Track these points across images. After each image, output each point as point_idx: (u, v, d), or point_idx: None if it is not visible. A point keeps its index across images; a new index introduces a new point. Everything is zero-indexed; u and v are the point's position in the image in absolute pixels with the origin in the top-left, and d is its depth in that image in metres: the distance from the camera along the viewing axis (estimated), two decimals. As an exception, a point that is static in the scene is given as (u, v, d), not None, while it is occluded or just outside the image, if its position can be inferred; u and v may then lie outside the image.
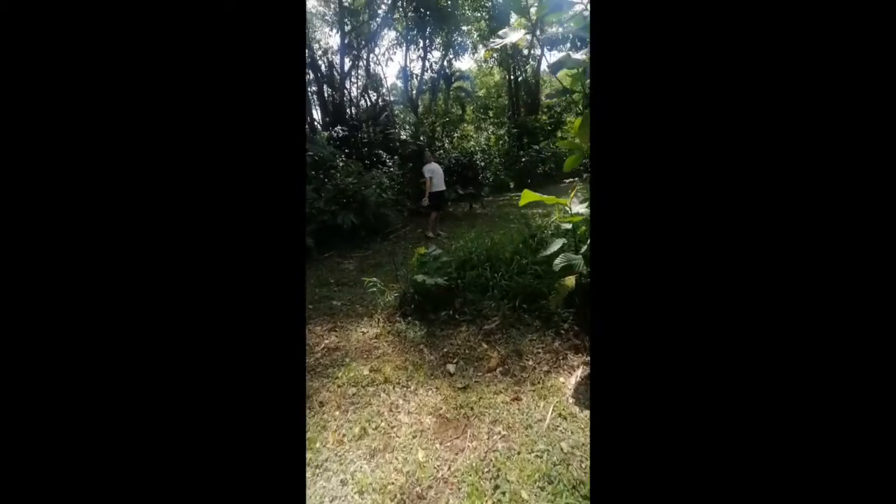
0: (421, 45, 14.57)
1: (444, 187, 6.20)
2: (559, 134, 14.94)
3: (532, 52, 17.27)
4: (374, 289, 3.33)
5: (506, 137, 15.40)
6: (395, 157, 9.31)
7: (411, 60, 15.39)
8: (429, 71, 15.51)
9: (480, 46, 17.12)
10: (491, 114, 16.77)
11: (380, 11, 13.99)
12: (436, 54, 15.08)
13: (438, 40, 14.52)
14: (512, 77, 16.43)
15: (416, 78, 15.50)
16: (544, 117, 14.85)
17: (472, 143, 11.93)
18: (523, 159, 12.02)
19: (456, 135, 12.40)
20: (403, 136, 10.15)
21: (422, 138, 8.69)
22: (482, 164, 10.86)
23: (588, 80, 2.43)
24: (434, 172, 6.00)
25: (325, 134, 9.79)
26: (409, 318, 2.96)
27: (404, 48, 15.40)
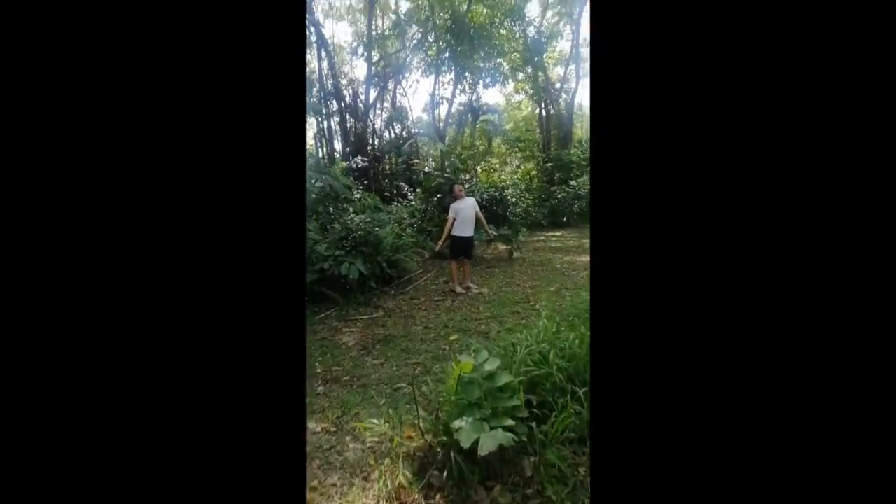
0: (450, 76, 13.78)
1: (471, 233, 4.62)
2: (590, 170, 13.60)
3: (564, 85, 16.33)
4: (375, 431, 1.88)
5: (534, 172, 14.17)
6: (418, 189, 8.11)
7: (439, 94, 14.59)
8: (456, 104, 14.66)
9: (510, 80, 16.32)
10: (521, 146, 15.64)
11: (409, 42, 13.32)
12: (464, 87, 14.23)
13: (467, 74, 13.69)
14: (544, 110, 15.39)
15: (443, 109, 14.66)
16: (577, 151, 13.58)
17: (502, 176, 10.68)
18: (558, 195, 10.64)
19: (479, 167, 11.20)
20: (428, 169, 8.98)
21: (448, 171, 7.46)
22: (513, 199, 9.57)
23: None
24: (459, 213, 4.45)
25: (343, 164, 8.71)
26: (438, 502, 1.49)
27: (433, 79, 14.67)
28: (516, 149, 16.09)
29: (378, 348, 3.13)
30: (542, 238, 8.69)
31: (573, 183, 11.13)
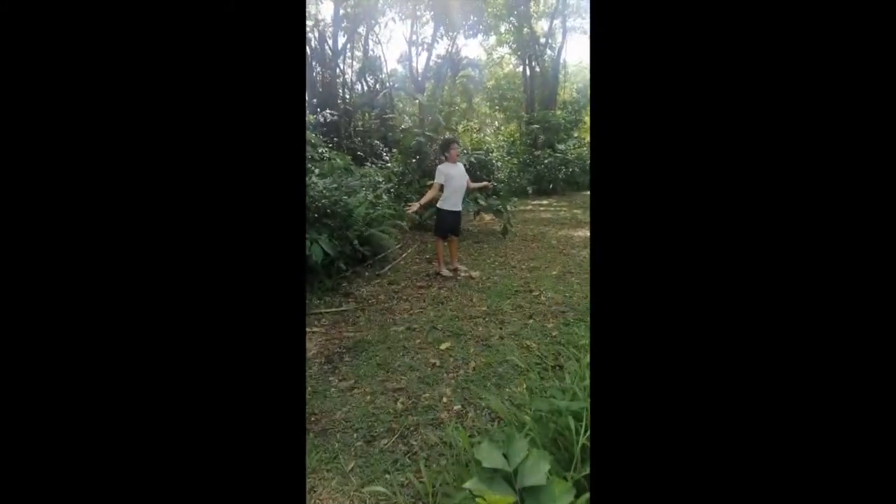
0: (427, 18, 12.17)
1: (460, 207, 3.70)
2: (575, 134, 12.72)
3: (549, 41, 14.99)
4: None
5: (517, 134, 13.14)
6: (394, 150, 7.06)
7: (416, 38, 12.98)
8: (434, 56, 13.16)
9: (492, 32, 14.77)
10: (505, 105, 14.43)
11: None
12: (442, 34, 12.69)
13: (446, 19, 12.12)
14: (528, 67, 14.11)
15: (421, 61, 13.14)
16: (563, 113, 12.60)
17: (486, 137, 9.66)
18: (545, 160, 9.80)
19: (460, 128, 10.09)
20: (405, 126, 7.85)
21: (428, 129, 6.41)
22: (498, 164, 8.67)
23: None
24: (450, 181, 3.52)
25: (311, 118, 7.45)
26: None
27: (409, 25, 13.00)
28: (499, 108, 14.89)
29: (347, 360, 2.34)
30: (530, 208, 7.93)
31: (561, 147, 10.27)
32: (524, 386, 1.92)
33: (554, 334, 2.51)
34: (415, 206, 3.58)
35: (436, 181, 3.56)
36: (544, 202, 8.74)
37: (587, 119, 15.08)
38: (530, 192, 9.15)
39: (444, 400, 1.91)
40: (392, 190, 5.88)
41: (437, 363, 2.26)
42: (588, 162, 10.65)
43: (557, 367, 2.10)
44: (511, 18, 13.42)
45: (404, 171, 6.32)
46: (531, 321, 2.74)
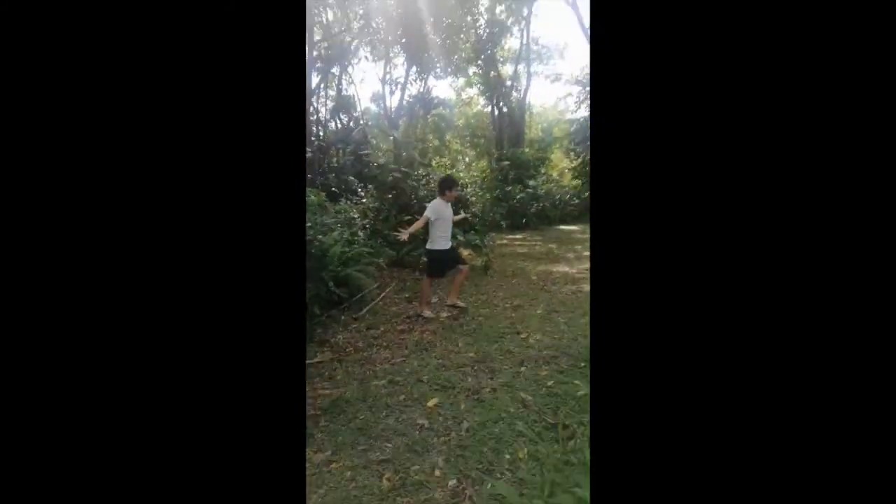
0: (398, 64, 12.53)
1: (449, 244, 3.52)
2: (542, 170, 13.15)
3: (515, 83, 15.79)
4: None
5: (488, 170, 13.44)
6: (370, 186, 6.94)
7: (389, 77, 13.28)
8: (407, 95, 13.47)
9: (460, 75, 15.40)
10: (476, 142, 14.82)
11: (355, 24, 11.85)
12: (415, 75, 13.08)
13: (415, 67, 12.53)
14: (496, 107, 14.70)
15: (394, 101, 13.40)
16: (531, 151, 13.06)
17: (459, 172, 9.77)
18: (517, 196, 9.98)
19: (434, 163, 10.19)
20: (380, 160, 7.79)
21: (404, 165, 6.35)
22: (472, 199, 8.73)
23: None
24: (442, 219, 3.38)
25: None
26: None
27: (381, 66, 13.31)
28: (470, 145, 15.29)
29: (323, 425, 2.05)
30: (506, 242, 7.93)
31: (532, 182, 10.53)
32: (525, 451, 1.72)
33: (549, 384, 2.33)
34: (405, 235, 3.30)
35: (426, 215, 3.38)
36: (518, 236, 8.79)
37: (553, 157, 15.72)
38: (504, 226, 9.20)
39: (437, 473, 1.66)
40: (368, 226, 5.69)
41: (426, 424, 2.01)
42: (558, 198, 10.97)
43: (561, 426, 1.91)
44: (479, 62, 14.06)
45: (380, 207, 6.17)
46: (523, 369, 2.56)
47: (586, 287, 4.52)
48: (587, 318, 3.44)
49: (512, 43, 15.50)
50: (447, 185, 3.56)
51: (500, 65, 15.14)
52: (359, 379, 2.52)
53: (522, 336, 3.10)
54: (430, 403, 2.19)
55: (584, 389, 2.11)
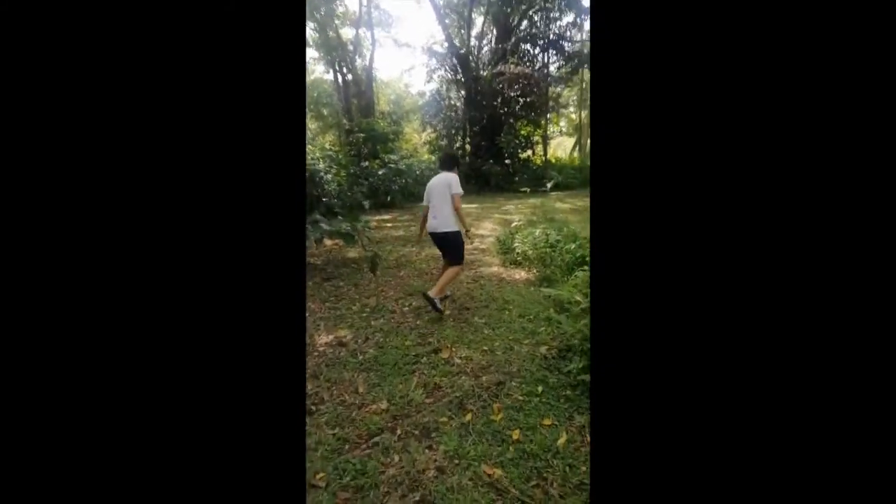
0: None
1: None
2: (398, 144, 12.27)
3: (358, 48, 14.15)
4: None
5: (338, 144, 11.77)
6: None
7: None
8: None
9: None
10: (322, 111, 12.73)
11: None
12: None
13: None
14: (340, 73, 12.87)
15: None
16: (384, 123, 11.92)
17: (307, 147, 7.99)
18: (380, 172, 8.83)
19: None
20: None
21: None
22: (328, 176, 7.23)
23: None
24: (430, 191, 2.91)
25: None
26: None
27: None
28: (314, 115, 13.13)
29: None
30: (375, 224, 6.79)
31: (392, 157, 9.48)
32: None
33: (516, 438, 1.50)
34: (462, 227, 2.86)
35: (460, 191, 2.82)
36: (386, 217, 7.77)
37: (407, 129, 14.96)
38: (367, 206, 8.01)
39: None
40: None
41: None
42: (418, 173, 10.28)
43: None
44: (316, 18, 11.92)
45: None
46: (469, 417, 1.65)
47: (489, 270, 3.89)
48: (509, 313, 2.77)
49: (350, 4, 13.72)
50: (456, 160, 3.31)
51: (339, 26, 13.23)
52: None
53: (443, 356, 2.19)
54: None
55: (560, 438, 1.34)
